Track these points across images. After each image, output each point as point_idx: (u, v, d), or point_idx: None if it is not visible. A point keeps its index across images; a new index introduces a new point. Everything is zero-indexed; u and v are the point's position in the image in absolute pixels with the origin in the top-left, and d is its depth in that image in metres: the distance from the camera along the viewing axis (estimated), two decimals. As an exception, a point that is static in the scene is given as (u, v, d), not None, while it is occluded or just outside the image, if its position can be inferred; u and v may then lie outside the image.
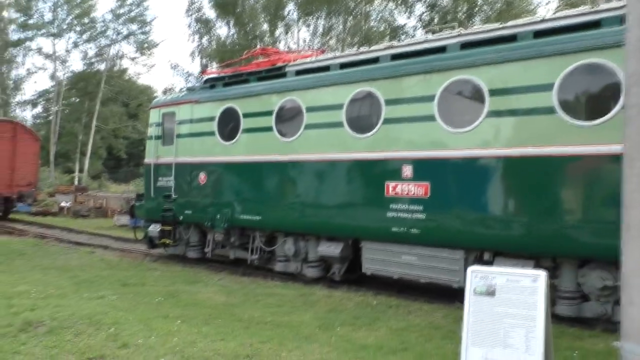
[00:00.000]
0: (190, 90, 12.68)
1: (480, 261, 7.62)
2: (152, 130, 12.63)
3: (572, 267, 7.03)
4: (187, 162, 11.55)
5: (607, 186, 6.44)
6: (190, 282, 9.50)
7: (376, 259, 8.72)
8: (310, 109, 9.44)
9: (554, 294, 6.97)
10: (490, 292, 3.60)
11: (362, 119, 8.81)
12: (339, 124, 9.00)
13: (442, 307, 7.88)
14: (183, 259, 12.10)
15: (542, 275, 3.49)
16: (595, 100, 6.75)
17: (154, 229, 12.33)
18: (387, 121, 8.42)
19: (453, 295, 8.26)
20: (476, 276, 3.67)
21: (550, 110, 6.89)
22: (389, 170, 8.38)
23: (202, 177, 11.21)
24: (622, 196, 3.17)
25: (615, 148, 6.27)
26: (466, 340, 3.61)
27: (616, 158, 6.36)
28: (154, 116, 12.60)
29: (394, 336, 6.24)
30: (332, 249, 9.29)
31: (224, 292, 8.70)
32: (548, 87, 6.91)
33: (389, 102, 8.43)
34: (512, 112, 7.24)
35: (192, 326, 6.27)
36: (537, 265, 7.03)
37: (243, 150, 10.49)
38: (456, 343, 5.98)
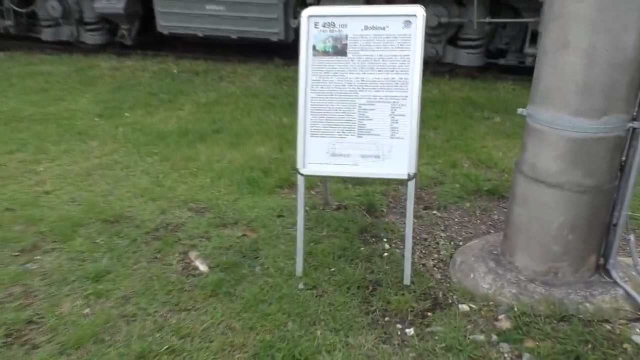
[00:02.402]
0: None
1: (303, 5, 6.09)
2: None
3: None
4: None
5: None
6: None
7: (173, 13, 6.76)
8: None
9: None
10: (339, 50, 2.19)
11: None
12: None
13: (260, 67, 6.57)
14: None
15: (419, 13, 2.12)
16: None
17: None
18: None
19: (272, 51, 6.92)
20: (316, 24, 2.17)
21: None
22: None
23: None
24: None
25: None
26: (303, 130, 2.29)
27: None
28: None
29: (202, 114, 4.84)
30: (113, 4, 7.03)
31: (-39, 78, 6.20)
32: None
33: None
34: None
35: None
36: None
37: None
38: (279, 114, 4.83)
